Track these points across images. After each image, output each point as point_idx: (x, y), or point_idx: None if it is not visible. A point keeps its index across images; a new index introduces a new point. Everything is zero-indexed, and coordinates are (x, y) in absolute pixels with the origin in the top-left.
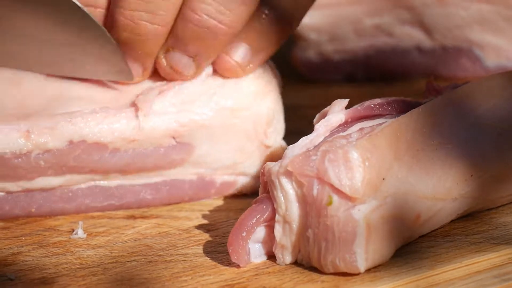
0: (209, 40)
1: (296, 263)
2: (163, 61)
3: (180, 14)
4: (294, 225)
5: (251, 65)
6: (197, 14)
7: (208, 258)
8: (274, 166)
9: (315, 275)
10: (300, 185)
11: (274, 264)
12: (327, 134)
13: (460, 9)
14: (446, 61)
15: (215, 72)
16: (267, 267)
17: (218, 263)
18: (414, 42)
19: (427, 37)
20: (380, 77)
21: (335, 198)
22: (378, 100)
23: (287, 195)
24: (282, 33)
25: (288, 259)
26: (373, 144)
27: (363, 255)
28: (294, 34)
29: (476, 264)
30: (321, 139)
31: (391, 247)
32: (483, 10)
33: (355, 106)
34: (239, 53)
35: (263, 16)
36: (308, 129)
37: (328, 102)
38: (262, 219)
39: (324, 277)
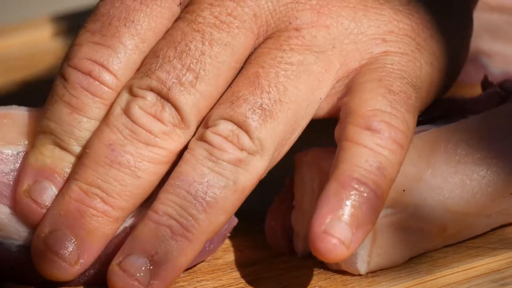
0: (169, 241)
1: (296, 265)
2: (118, 271)
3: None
4: (306, 215)
5: None
6: (158, 213)
7: (206, 263)
8: (302, 153)
9: (312, 280)
10: (315, 177)
11: (273, 268)
12: None
13: None
14: None
15: None
16: (266, 272)
17: (216, 268)
18: None
19: None
20: None
21: None
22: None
23: (304, 184)
24: None
25: (300, 248)
26: None
27: (365, 258)
28: None
29: (473, 269)
30: None
31: (402, 254)
32: (495, 19)
33: None
34: None
35: None
36: (308, 129)
37: None
38: (287, 204)
39: (321, 282)
